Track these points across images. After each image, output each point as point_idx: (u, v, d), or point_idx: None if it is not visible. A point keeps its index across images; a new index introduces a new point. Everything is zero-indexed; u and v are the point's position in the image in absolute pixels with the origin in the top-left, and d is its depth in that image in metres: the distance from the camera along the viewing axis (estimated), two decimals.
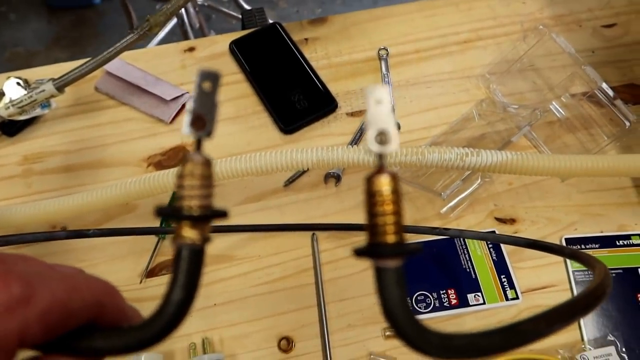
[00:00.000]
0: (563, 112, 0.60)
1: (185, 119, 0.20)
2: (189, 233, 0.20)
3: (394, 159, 0.45)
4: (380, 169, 0.21)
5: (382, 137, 0.20)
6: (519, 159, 0.45)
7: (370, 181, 0.21)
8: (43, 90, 0.55)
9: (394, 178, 0.21)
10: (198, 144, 0.20)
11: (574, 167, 0.45)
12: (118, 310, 0.22)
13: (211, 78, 0.20)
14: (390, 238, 0.20)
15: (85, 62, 0.54)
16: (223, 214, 0.21)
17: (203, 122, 0.20)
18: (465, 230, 0.49)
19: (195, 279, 0.20)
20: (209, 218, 0.20)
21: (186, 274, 0.20)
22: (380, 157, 0.20)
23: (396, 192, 0.21)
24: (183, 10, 1.26)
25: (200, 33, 1.38)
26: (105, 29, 1.74)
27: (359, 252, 0.21)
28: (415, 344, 0.20)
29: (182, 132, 0.20)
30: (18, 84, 0.62)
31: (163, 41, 1.37)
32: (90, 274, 0.21)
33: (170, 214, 0.20)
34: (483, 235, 0.48)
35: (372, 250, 0.21)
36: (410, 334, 0.20)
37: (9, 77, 0.63)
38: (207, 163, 0.20)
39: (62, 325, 0.19)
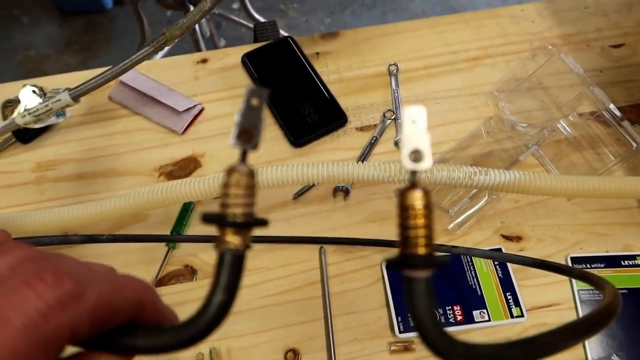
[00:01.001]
0: (570, 131, 0.61)
1: (233, 131, 0.21)
2: (232, 239, 0.21)
3: (403, 175, 0.46)
4: (413, 184, 0.22)
5: (416, 155, 0.21)
6: (526, 178, 0.46)
7: (403, 195, 0.22)
8: (59, 100, 0.56)
9: (426, 193, 0.22)
10: (243, 156, 0.21)
11: (581, 188, 0.46)
12: (156, 310, 0.23)
13: (258, 95, 0.21)
14: (422, 250, 0.21)
15: (102, 73, 0.55)
16: (264, 223, 0.22)
17: (249, 136, 0.21)
18: (473, 248, 0.49)
19: (236, 283, 0.21)
20: (251, 225, 0.21)
21: (228, 278, 0.21)
22: (414, 173, 0.21)
23: (428, 207, 0.22)
24: None
25: (210, 40, 1.40)
26: (116, 34, 1.76)
27: (391, 263, 0.22)
28: (441, 352, 0.21)
29: (228, 144, 0.21)
30: (34, 92, 0.64)
31: (173, 48, 1.38)
32: (126, 274, 0.22)
33: (215, 221, 0.21)
34: (491, 254, 0.49)
35: (403, 261, 0.22)
36: (438, 342, 0.21)
37: (24, 85, 0.64)
38: (251, 174, 0.21)
39: (107, 323, 0.20)
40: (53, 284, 0.18)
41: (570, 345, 0.23)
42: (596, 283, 0.36)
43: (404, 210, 0.22)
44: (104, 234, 0.51)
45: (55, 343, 0.18)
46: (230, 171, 0.21)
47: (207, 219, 0.21)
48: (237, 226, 0.21)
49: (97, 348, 0.20)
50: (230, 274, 0.21)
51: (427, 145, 0.21)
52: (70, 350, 0.20)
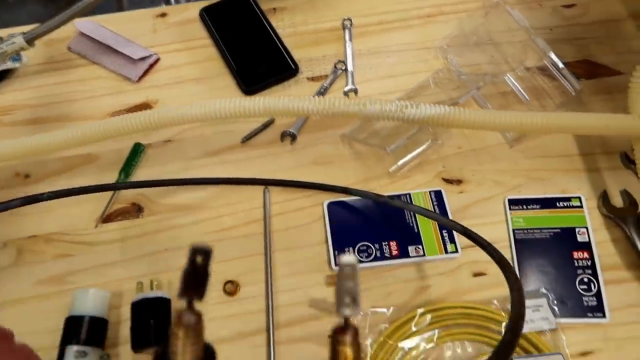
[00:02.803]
0: (517, 85, 0.62)
1: (179, 286, 0.23)
2: None
3: (337, 108, 0.47)
4: (345, 328, 0.25)
5: (350, 303, 0.24)
6: (456, 112, 0.47)
7: (335, 339, 0.25)
8: (13, 43, 0.58)
9: (356, 336, 0.25)
10: (190, 305, 0.24)
11: (510, 122, 0.47)
12: None
13: (202, 253, 0.23)
14: None
15: (56, 16, 0.57)
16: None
17: (195, 290, 0.23)
18: (411, 204, 0.51)
19: None
20: None
21: None
22: (347, 319, 0.25)
23: (356, 349, 0.25)
24: None
25: None
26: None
27: None
28: None
29: (176, 297, 0.25)
30: None
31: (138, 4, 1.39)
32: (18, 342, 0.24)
33: None
34: (426, 213, 0.50)
35: None
36: None
37: None
38: (198, 321, 0.24)
39: None
40: None
41: None
42: (507, 273, 0.40)
43: (335, 352, 0.25)
44: (44, 193, 0.50)
45: None
46: (178, 320, 0.24)
47: None
48: None
49: None
50: None
51: (358, 293, 0.25)
52: None
